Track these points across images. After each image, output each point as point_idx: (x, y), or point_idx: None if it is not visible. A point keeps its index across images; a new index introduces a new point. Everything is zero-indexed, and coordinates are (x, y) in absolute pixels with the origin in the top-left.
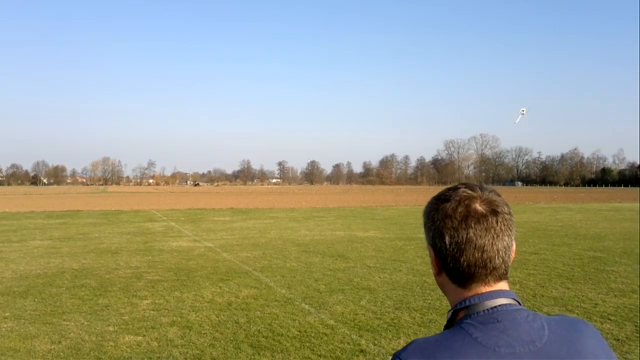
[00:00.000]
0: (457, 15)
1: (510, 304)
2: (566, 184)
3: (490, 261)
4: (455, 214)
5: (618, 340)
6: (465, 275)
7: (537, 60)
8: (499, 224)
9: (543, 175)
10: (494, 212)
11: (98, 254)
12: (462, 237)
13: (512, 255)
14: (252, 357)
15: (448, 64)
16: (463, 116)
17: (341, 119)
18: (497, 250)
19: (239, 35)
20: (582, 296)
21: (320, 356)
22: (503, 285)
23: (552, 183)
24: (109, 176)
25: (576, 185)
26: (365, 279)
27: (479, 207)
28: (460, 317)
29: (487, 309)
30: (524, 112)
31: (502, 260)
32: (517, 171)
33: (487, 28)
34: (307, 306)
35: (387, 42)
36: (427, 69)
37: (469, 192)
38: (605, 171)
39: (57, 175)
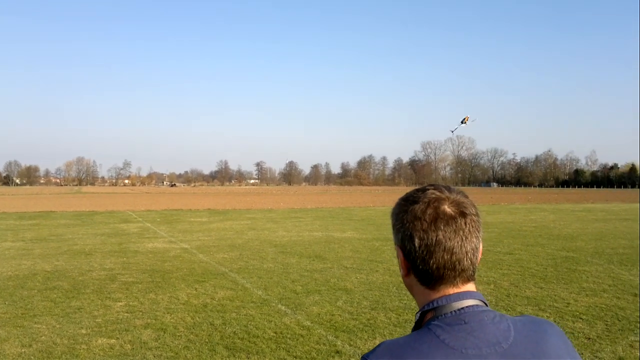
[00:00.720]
0: (432, 16)
1: (477, 305)
2: (540, 185)
3: (459, 263)
4: (424, 215)
5: (589, 339)
6: (434, 277)
7: (513, 61)
8: (468, 225)
9: (518, 177)
10: (463, 214)
11: (71, 255)
12: (432, 239)
13: (479, 256)
14: (227, 359)
15: (425, 66)
16: (440, 117)
17: (320, 119)
18: (466, 252)
19: (214, 34)
20: (555, 296)
21: (296, 357)
22: (470, 287)
23: (527, 184)
24: (83, 176)
25: (550, 186)
26: (342, 279)
27: (447, 208)
28: (428, 318)
29: (455, 311)
30: (466, 121)
31: (471, 261)
32: (493, 172)
33: (463, 29)
34: (283, 307)
35: (366, 43)
36: (405, 70)
37: (438, 193)
38: (578, 172)
39: (29, 176)
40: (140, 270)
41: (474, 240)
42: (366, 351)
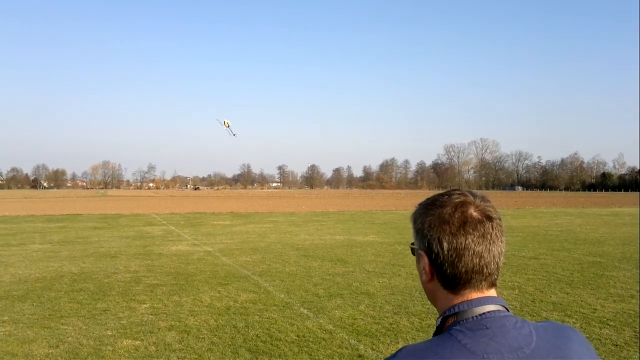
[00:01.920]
0: (457, 17)
1: (499, 310)
2: (566, 189)
3: (487, 267)
4: (452, 219)
5: (617, 345)
6: (462, 281)
7: (538, 63)
8: (494, 229)
9: (543, 180)
10: (489, 218)
11: (97, 257)
12: (461, 243)
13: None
14: None
15: (448, 67)
16: (463, 120)
17: (341, 122)
18: (493, 256)
19: (238, 37)
20: (581, 301)
21: None
22: (492, 292)
23: (552, 187)
24: (109, 180)
25: (576, 190)
26: (364, 283)
27: (474, 212)
28: (450, 323)
29: (476, 316)
30: (226, 125)
31: (497, 266)
32: (517, 175)
33: (488, 31)
34: (305, 311)
35: (388, 45)
36: (428, 72)
37: (463, 197)
38: (605, 176)
39: (57, 179)
40: (165, 273)
41: (500, 244)
42: (388, 355)
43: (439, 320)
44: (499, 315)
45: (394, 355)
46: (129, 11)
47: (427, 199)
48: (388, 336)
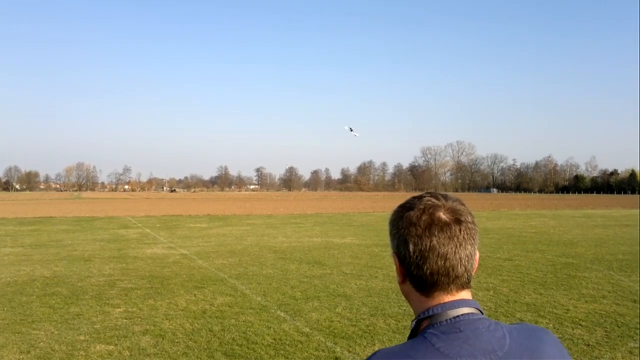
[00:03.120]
0: (430, 20)
1: (472, 313)
2: (540, 191)
3: (453, 269)
4: (419, 222)
5: (588, 345)
6: (429, 284)
7: (513, 67)
8: (462, 232)
9: (518, 182)
10: (458, 221)
11: (70, 261)
12: (426, 245)
13: (476, 264)
14: None
15: (425, 70)
16: (440, 123)
17: (320, 125)
18: (460, 259)
19: (215, 39)
20: (555, 302)
21: None
22: (466, 295)
23: (527, 190)
24: (83, 182)
25: (550, 192)
26: (341, 285)
27: (443, 215)
28: (424, 326)
29: (450, 319)
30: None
31: (465, 268)
32: (493, 178)
33: (463, 33)
34: (282, 313)
35: (365, 47)
36: (406, 74)
37: (434, 200)
38: (578, 178)
39: (29, 181)
40: (139, 276)
41: (469, 247)
42: (364, 358)
43: (414, 323)
44: (472, 318)
45: (368, 358)
46: (100, 11)
47: (404, 201)
48: (365, 338)
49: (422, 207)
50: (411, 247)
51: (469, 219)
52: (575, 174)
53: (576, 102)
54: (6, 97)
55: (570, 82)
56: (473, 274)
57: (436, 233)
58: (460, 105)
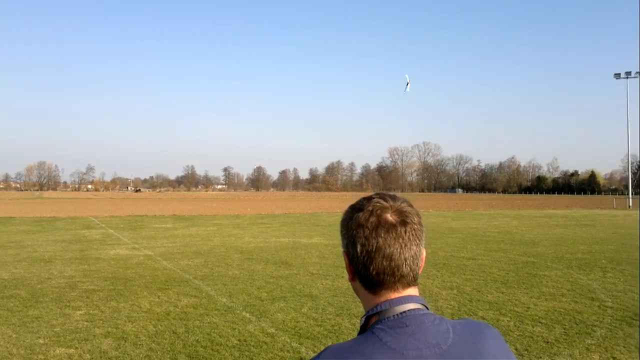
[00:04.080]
0: (397, 20)
1: (418, 308)
2: (504, 191)
3: (398, 269)
4: (367, 223)
5: (547, 342)
6: (375, 282)
7: (477, 69)
8: (407, 233)
9: (482, 183)
10: (404, 222)
11: (30, 262)
12: (372, 245)
13: (422, 263)
14: None
15: (393, 70)
16: (407, 124)
17: (288, 124)
18: (405, 259)
19: (181, 35)
20: (516, 300)
21: None
22: (412, 291)
23: (491, 190)
24: (44, 181)
25: (513, 193)
26: (307, 285)
27: (389, 217)
28: (373, 322)
29: (397, 314)
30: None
31: (410, 268)
32: (458, 178)
33: (428, 33)
34: (247, 314)
35: (334, 46)
36: (373, 76)
37: (382, 202)
38: (540, 179)
39: None
40: (102, 278)
41: (414, 247)
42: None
43: (363, 319)
44: (418, 314)
45: (318, 355)
46: (63, 10)
47: (355, 202)
48: (330, 338)
49: (370, 208)
50: (359, 247)
51: (415, 220)
52: (537, 174)
53: (538, 104)
54: None
55: (532, 83)
56: (419, 272)
57: (382, 234)
58: (426, 106)
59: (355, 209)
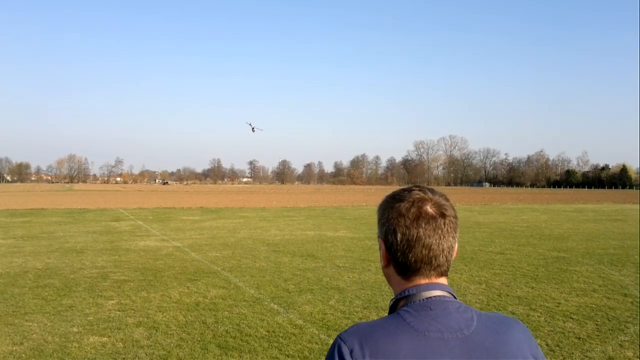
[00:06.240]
0: (426, 14)
1: (444, 296)
2: (532, 185)
3: (435, 259)
4: (408, 213)
5: (579, 338)
6: (412, 269)
7: (505, 62)
8: (446, 225)
9: (510, 177)
10: (442, 215)
11: (63, 253)
12: (413, 235)
13: (454, 255)
14: (220, 357)
15: (421, 64)
16: (433, 117)
17: (313, 118)
18: (442, 250)
19: (206, 32)
20: (546, 295)
21: (288, 356)
22: (442, 280)
23: (519, 184)
24: (75, 174)
25: (542, 187)
26: (334, 278)
27: (429, 209)
28: (400, 305)
29: (423, 299)
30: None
31: (446, 258)
32: (485, 172)
33: (457, 28)
34: (275, 306)
35: (360, 41)
36: (401, 68)
37: (422, 194)
38: (569, 173)
39: (20, 173)
40: (132, 269)
41: (451, 239)
42: None
43: (392, 302)
44: (443, 300)
45: (346, 330)
46: (96, 5)
47: (392, 192)
48: None
49: (411, 200)
50: (399, 236)
51: (452, 213)
52: (566, 168)
53: (568, 97)
54: None
55: (562, 77)
56: (451, 263)
57: (423, 225)
58: (453, 99)
59: (395, 199)
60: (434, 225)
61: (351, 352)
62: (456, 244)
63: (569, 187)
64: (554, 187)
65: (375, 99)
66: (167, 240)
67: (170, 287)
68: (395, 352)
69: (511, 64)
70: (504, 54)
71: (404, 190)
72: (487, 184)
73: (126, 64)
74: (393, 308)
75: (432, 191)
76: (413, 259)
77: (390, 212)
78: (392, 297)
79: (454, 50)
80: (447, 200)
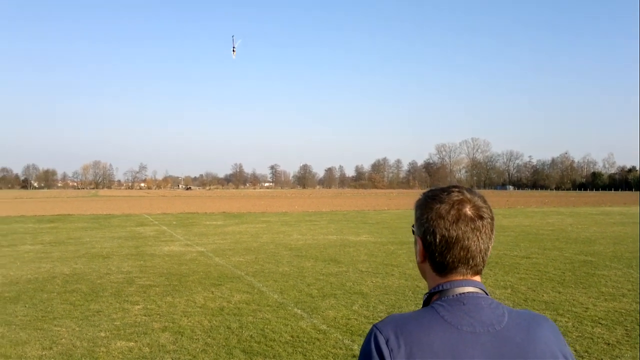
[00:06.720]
0: (451, 16)
1: (477, 292)
2: (557, 188)
3: (473, 260)
4: (448, 215)
5: (609, 344)
6: (449, 269)
7: (529, 64)
8: (484, 227)
9: (534, 179)
10: (480, 217)
11: (89, 258)
12: (452, 236)
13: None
14: None
15: (439, 67)
16: (454, 120)
17: (333, 122)
18: (480, 251)
19: (226, 35)
20: (573, 300)
21: None
22: (476, 278)
23: (543, 187)
24: (100, 180)
25: (567, 189)
26: (357, 283)
27: (468, 211)
28: (434, 299)
29: (456, 294)
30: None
31: (482, 259)
32: (509, 175)
33: (478, 31)
34: (299, 311)
35: (379, 44)
36: (419, 71)
37: (461, 196)
38: (595, 175)
39: (47, 179)
40: (157, 274)
41: (488, 241)
42: None
43: (426, 296)
44: (476, 296)
45: (382, 320)
46: (120, 11)
47: (430, 190)
48: None
49: (450, 201)
50: (438, 237)
51: (490, 214)
52: (592, 170)
53: (592, 98)
54: (24, 95)
55: (586, 77)
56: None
57: (462, 227)
58: (474, 101)
59: (435, 200)
60: (472, 227)
61: (387, 342)
62: (492, 244)
63: (595, 190)
64: (579, 189)
65: (396, 102)
66: (191, 245)
67: (195, 292)
68: (429, 343)
69: (535, 66)
70: (526, 56)
71: (443, 190)
72: (510, 187)
73: (149, 70)
74: (427, 302)
75: (470, 191)
76: (451, 259)
77: (430, 213)
78: (425, 292)
79: (472, 51)
80: (485, 201)
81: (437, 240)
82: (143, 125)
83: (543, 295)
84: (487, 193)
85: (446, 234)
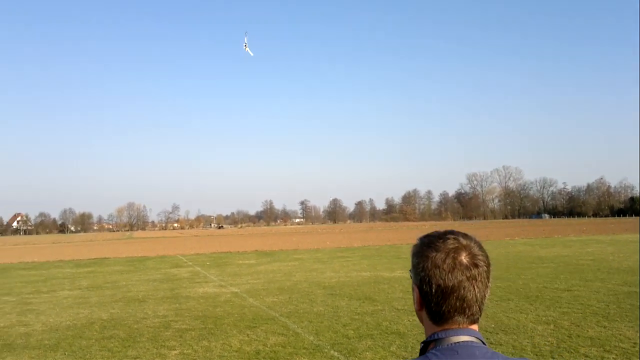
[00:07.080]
0: (473, 39)
1: (472, 341)
2: (594, 215)
3: (469, 309)
4: (443, 265)
5: None
6: (444, 318)
7: (558, 90)
8: (480, 276)
9: (570, 207)
10: (476, 265)
11: (126, 302)
12: (448, 285)
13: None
14: None
15: (467, 96)
16: (486, 148)
17: (362, 155)
18: (476, 300)
19: (256, 71)
20: (620, 335)
21: None
22: (472, 327)
23: (580, 214)
24: (134, 221)
25: (605, 216)
26: (394, 322)
27: (464, 259)
28: (430, 348)
29: (451, 343)
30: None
31: (479, 307)
32: (544, 203)
33: (506, 58)
34: (336, 353)
35: (404, 73)
36: (448, 97)
37: (456, 243)
38: (634, 200)
39: (83, 222)
40: (193, 317)
41: (484, 289)
42: None
43: (422, 344)
44: (470, 345)
45: None
46: (149, 50)
47: (426, 237)
48: None
49: (446, 250)
50: (434, 287)
51: (485, 262)
52: (630, 195)
53: (626, 120)
54: (57, 140)
55: (619, 100)
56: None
57: (458, 277)
58: (505, 128)
59: (431, 248)
60: (467, 275)
61: None
62: (488, 291)
63: (635, 215)
64: (618, 215)
65: (424, 132)
66: (225, 286)
67: (230, 335)
68: None
69: (565, 90)
70: (557, 80)
71: (438, 237)
72: (546, 215)
73: (179, 109)
74: (423, 350)
75: (466, 237)
76: (447, 309)
77: (426, 262)
78: (424, 339)
79: (501, 79)
80: (481, 247)
81: (434, 290)
82: (175, 165)
83: (588, 331)
84: (522, 222)
85: (442, 284)
